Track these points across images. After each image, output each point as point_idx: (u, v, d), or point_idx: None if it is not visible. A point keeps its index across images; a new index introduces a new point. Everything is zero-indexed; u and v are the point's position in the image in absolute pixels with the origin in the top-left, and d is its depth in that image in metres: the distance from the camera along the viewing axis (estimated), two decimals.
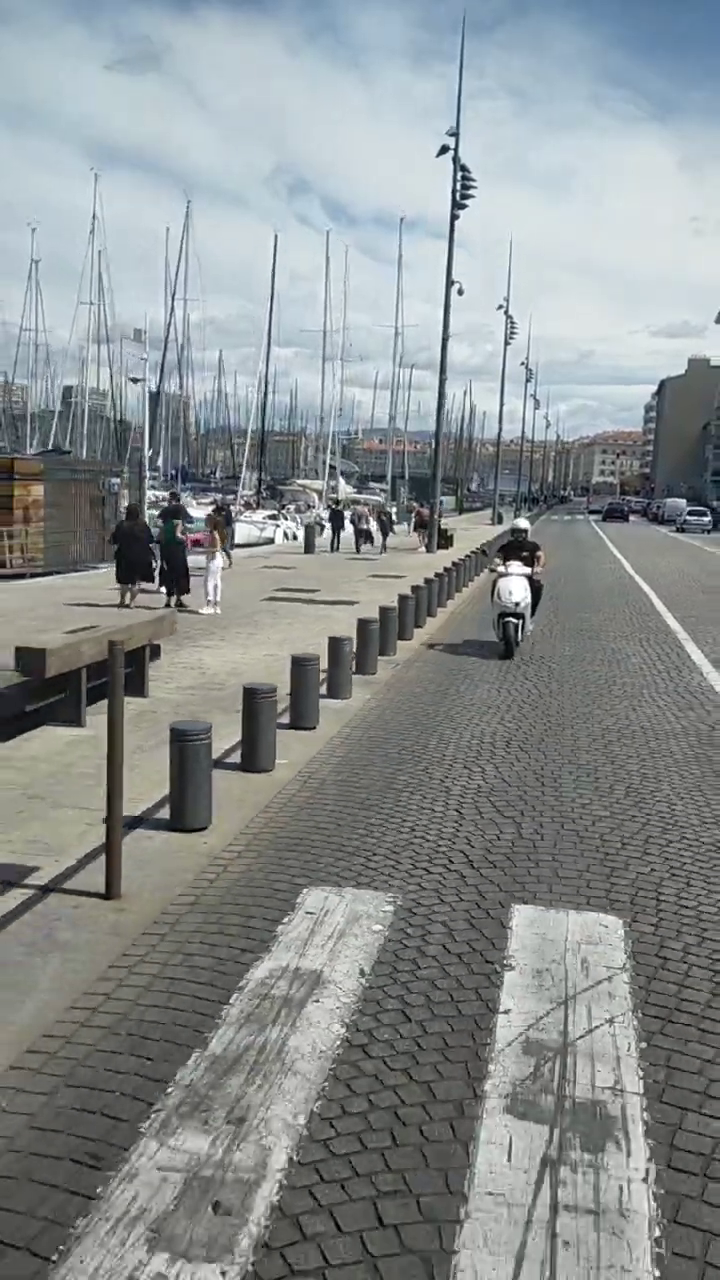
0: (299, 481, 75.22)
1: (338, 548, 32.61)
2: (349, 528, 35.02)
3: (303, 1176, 3.14)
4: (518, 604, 13.05)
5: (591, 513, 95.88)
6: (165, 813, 6.32)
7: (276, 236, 71.12)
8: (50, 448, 58.78)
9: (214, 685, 10.54)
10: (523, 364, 75.38)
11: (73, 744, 8.09)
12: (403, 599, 14.75)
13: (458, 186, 30.19)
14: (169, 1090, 3.55)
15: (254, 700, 7.46)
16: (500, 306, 53.85)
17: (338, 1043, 3.86)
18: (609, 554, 37.62)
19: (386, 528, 34.26)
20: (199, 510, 30.15)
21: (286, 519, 47.02)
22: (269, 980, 4.35)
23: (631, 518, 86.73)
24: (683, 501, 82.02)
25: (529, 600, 13.23)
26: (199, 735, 6.19)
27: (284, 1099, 3.51)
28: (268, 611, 16.53)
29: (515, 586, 13.15)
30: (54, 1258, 2.78)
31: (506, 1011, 4.14)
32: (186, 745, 6.10)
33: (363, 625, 12.02)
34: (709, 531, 59.96)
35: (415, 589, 16.39)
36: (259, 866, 5.68)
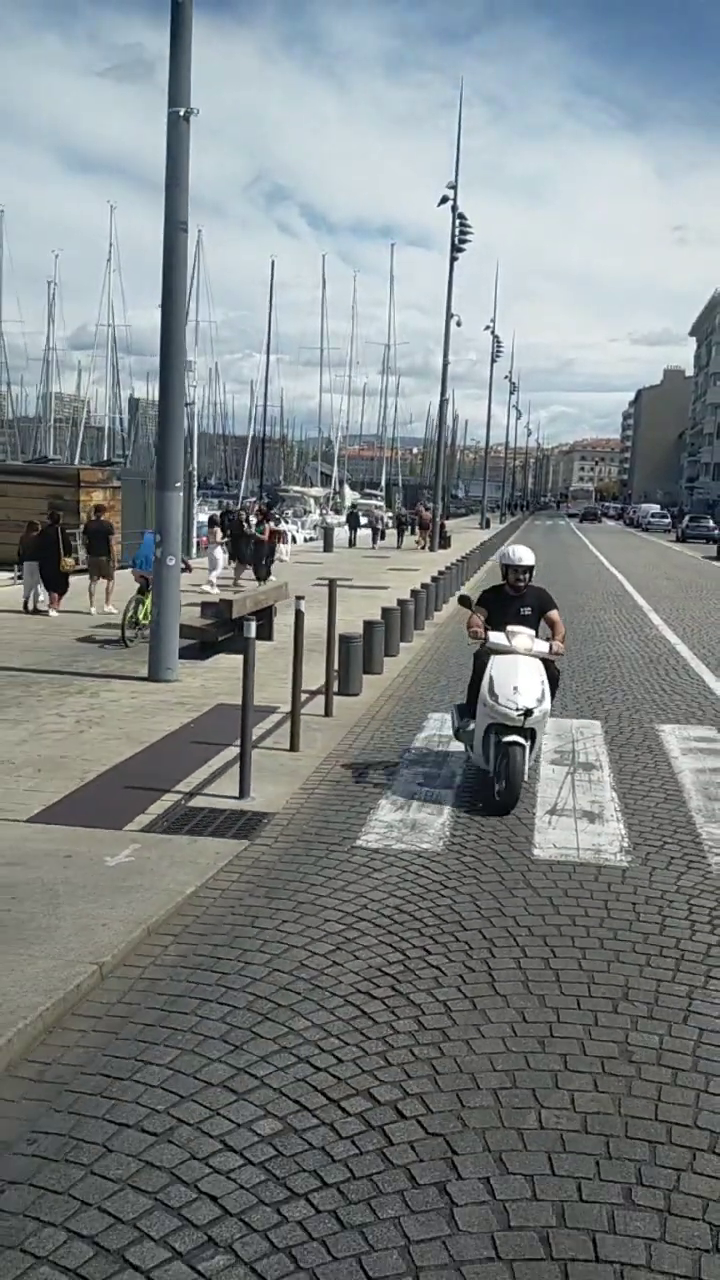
0: (295, 488, 79.66)
1: (354, 544, 37.31)
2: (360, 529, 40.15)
3: (469, 784, 7.60)
4: (528, 712, 7.07)
5: (570, 515, 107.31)
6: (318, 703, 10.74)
7: (274, 261, 75.77)
8: (37, 455, 62.15)
9: (311, 635, 14.95)
10: (506, 377, 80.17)
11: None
12: (426, 585, 19.19)
13: (456, 233, 34.72)
14: (405, 760, 8.01)
15: (371, 628, 11.93)
16: (487, 328, 58.41)
17: (460, 766, 8.33)
18: (589, 552, 42.25)
19: (382, 530, 39.39)
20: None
21: (286, 524, 51.63)
22: (413, 756, 8.82)
23: (608, 522, 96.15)
24: (655, 507, 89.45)
25: (547, 704, 7.37)
26: (354, 639, 10.66)
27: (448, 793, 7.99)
28: (321, 593, 20.96)
29: (524, 678, 7.21)
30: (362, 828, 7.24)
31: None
32: (350, 646, 10.57)
33: (401, 603, 16.34)
34: (667, 531, 69.72)
35: (434, 577, 20.83)
36: (398, 708, 10.16)
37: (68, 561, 16.56)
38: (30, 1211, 3.08)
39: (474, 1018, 4.27)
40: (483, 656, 7.53)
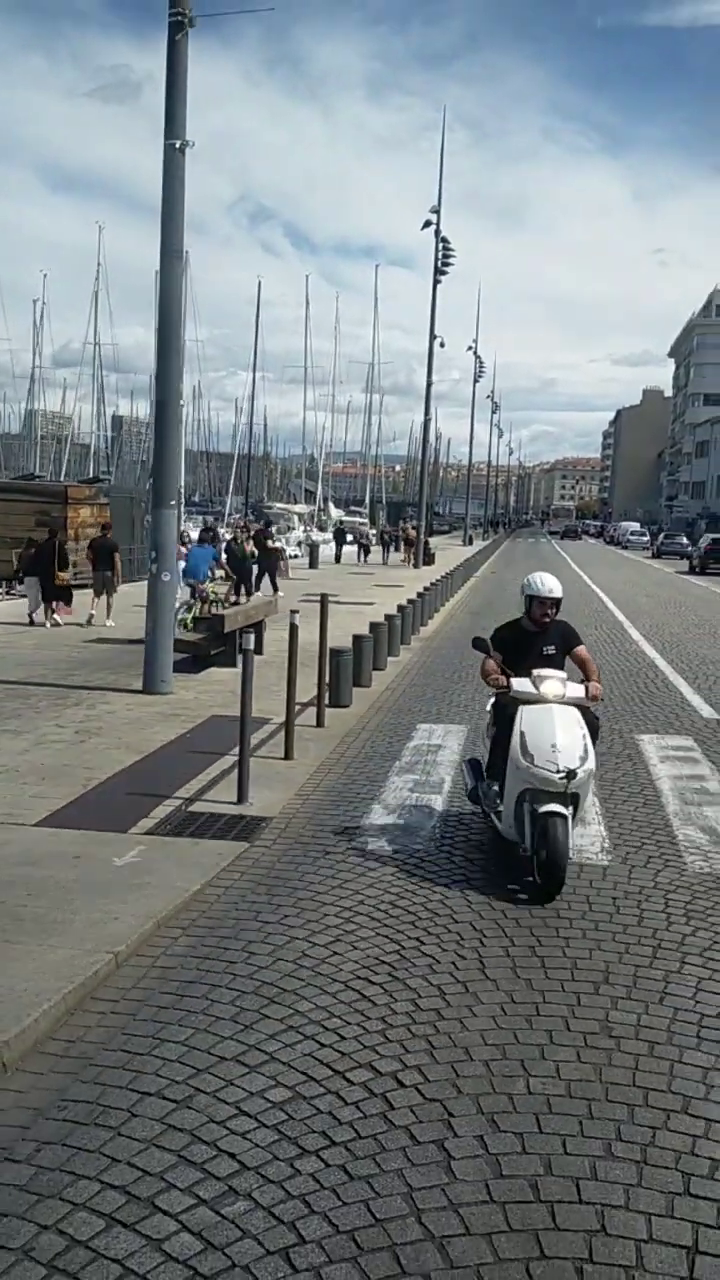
0: (279, 505, 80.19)
1: (340, 560, 37.73)
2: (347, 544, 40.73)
3: (458, 789, 7.93)
4: (570, 774, 5.87)
5: (551, 533, 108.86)
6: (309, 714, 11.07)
7: (260, 282, 76.45)
8: (24, 473, 62.62)
9: (300, 650, 15.27)
10: (489, 397, 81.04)
11: (236, 676, 12.78)
12: (412, 600, 19.55)
13: (439, 258, 35.32)
14: (395, 767, 8.35)
15: (360, 642, 12.27)
16: (469, 348, 59.14)
17: (458, 750, 8.67)
18: (570, 569, 42.76)
19: (367, 547, 39.85)
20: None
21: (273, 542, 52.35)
22: (403, 764, 9.16)
23: (589, 539, 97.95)
24: (635, 525, 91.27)
25: (592, 761, 6.12)
26: (344, 653, 11.00)
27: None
28: (310, 609, 21.29)
29: (563, 733, 6.02)
30: (375, 793, 7.57)
31: None
32: (340, 660, 10.91)
33: (389, 618, 16.71)
34: (646, 548, 71.04)
35: (420, 594, 21.21)
36: (387, 719, 10.49)
37: (62, 575, 17.24)
38: (65, 1167, 3.38)
39: (466, 999, 4.60)
40: (506, 707, 6.34)
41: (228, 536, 23.58)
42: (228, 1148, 3.50)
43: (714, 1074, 4.03)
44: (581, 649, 6.81)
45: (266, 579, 23.59)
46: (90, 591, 18.06)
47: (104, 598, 17.52)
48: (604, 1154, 3.50)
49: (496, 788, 6.37)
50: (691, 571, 44.01)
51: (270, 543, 25.08)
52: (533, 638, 6.65)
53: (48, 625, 17.05)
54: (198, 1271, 2.91)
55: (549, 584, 6.62)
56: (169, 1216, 3.14)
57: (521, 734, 6.02)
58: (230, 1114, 3.70)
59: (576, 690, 6.35)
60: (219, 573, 16.68)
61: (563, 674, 6.39)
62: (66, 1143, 3.51)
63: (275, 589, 22.08)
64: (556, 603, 6.66)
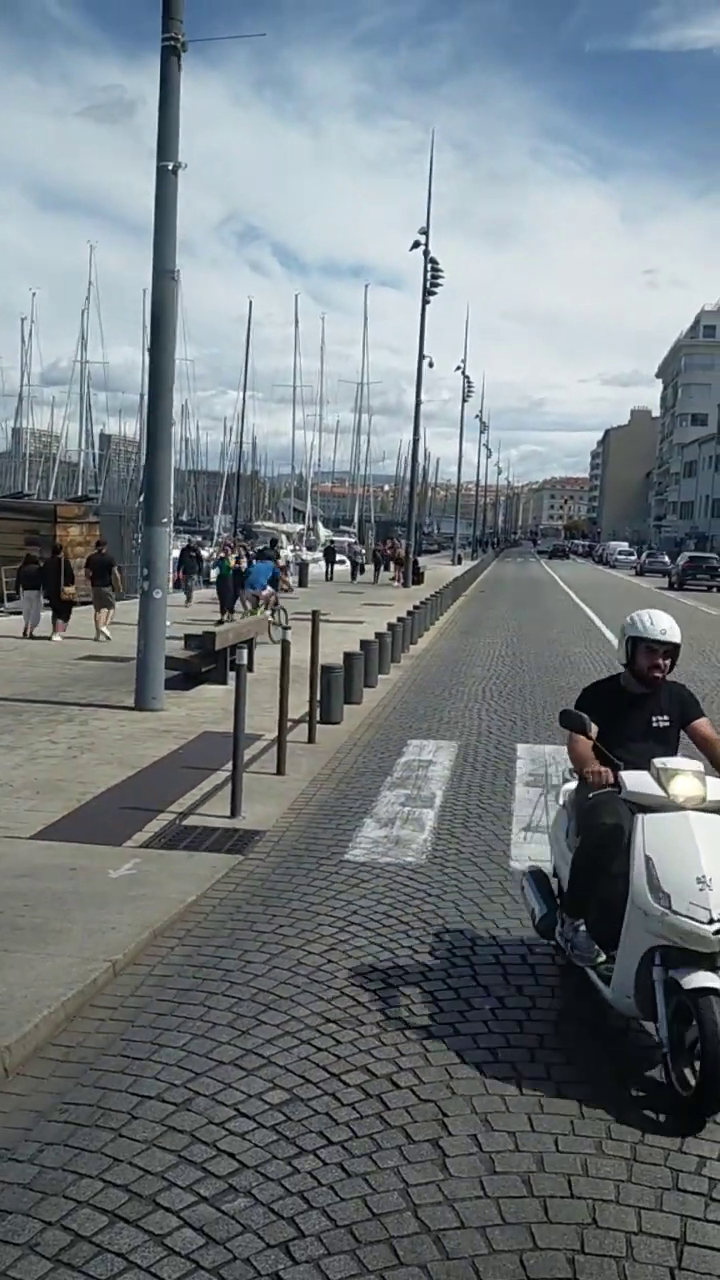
0: (268, 524, 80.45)
1: (331, 578, 37.99)
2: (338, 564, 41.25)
3: (449, 804, 8.02)
4: None
5: (540, 552, 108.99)
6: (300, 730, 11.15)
7: (251, 302, 77.08)
8: (12, 491, 62.84)
9: (292, 667, 15.38)
10: (477, 416, 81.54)
11: (227, 693, 12.89)
12: (402, 619, 19.68)
13: (427, 278, 35.65)
14: (387, 782, 8.44)
15: (351, 660, 12.38)
16: (458, 368, 59.54)
17: (449, 765, 8.76)
18: (560, 587, 43.04)
19: (361, 565, 40.22)
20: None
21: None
22: (395, 779, 9.25)
23: (577, 559, 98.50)
24: (624, 544, 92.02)
25: None
26: (335, 670, 11.10)
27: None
28: (302, 627, 21.41)
29: (713, 858, 3.96)
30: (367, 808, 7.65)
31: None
32: (331, 676, 11.01)
33: (379, 636, 16.83)
34: (639, 572, 70.99)
35: (410, 612, 21.33)
36: (378, 735, 10.59)
37: (68, 590, 18.07)
38: (68, 1166, 3.45)
39: (458, 1005, 4.68)
40: (602, 808, 4.36)
41: (219, 556, 23.83)
42: (227, 1148, 3.57)
43: None
44: (704, 723, 4.79)
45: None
46: (91, 608, 18.73)
47: (104, 611, 18.22)
48: (595, 1151, 3.59)
49: (583, 928, 4.48)
50: (670, 588, 45.92)
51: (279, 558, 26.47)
52: (638, 703, 4.76)
53: (54, 639, 17.60)
54: (200, 1264, 2.99)
55: (661, 623, 4.69)
56: (170, 1213, 3.22)
57: (647, 860, 4.00)
58: (229, 1115, 3.77)
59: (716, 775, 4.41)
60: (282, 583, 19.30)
61: (698, 764, 4.41)
62: (68, 1143, 3.58)
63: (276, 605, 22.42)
64: (673, 651, 4.72)
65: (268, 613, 18.25)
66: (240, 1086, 3.96)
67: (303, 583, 36.48)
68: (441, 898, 6.08)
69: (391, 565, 41.11)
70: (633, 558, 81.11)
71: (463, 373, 60.22)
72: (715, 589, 45.54)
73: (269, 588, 19.89)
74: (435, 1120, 3.76)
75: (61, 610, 18.10)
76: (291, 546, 58.74)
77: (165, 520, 12.10)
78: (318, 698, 10.89)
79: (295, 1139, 3.63)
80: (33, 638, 17.87)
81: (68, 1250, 3.03)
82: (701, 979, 3.76)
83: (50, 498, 63.24)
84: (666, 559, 63.59)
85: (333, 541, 50.30)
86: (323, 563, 41.87)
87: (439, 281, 36.62)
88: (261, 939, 5.39)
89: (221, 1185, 3.36)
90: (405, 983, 4.90)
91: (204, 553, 33.80)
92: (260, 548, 27.01)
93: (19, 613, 19.16)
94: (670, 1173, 3.47)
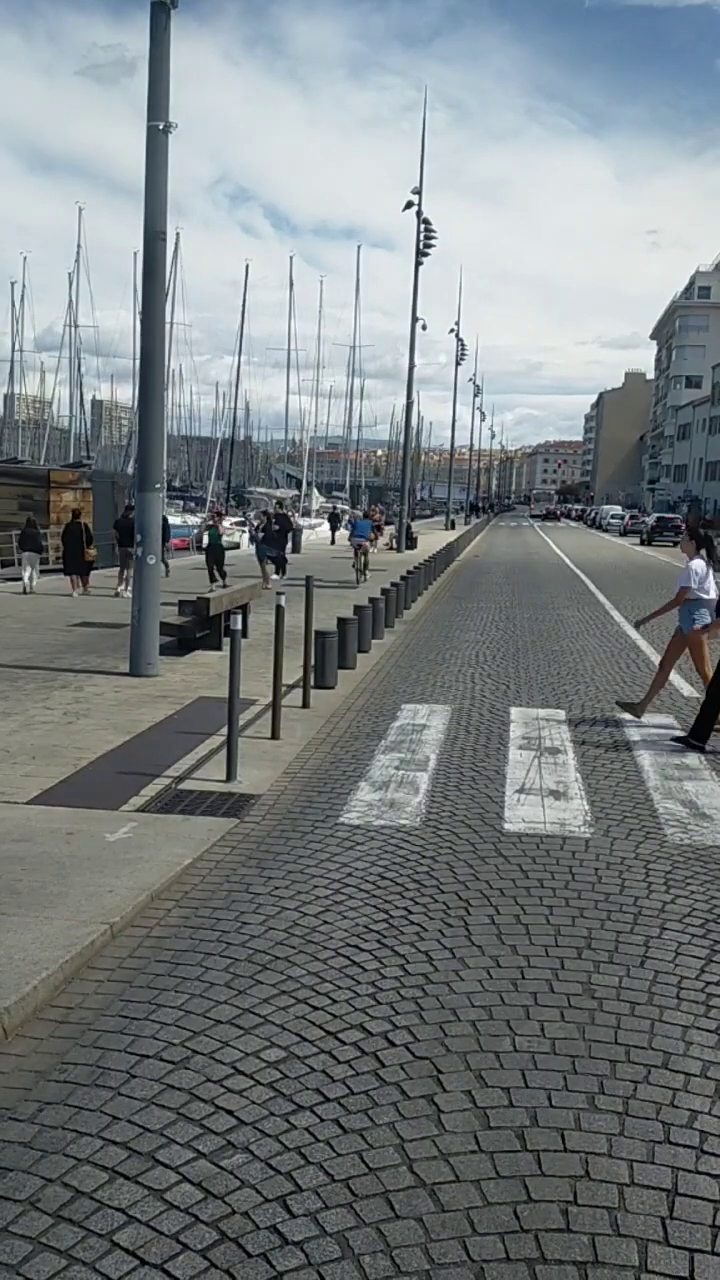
0: (261, 489, 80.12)
1: (335, 543, 38.04)
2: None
3: (443, 767, 8.06)
4: None
5: (533, 516, 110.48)
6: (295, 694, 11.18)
7: (248, 266, 75.66)
8: (6, 457, 62.52)
9: (286, 632, 15.38)
10: (471, 380, 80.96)
11: (222, 658, 12.90)
12: (396, 583, 19.66)
13: (420, 239, 35.26)
14: (381, 746, 8.46)
15: (345, 625, 12.37)
16: (452, 331, 59.07)
17: (442, 729, 8.79)
18: (550, 549, 43.00)
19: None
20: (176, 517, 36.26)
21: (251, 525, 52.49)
22: (389, 743, 9.28)
23: (569, 522, 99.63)
24: (616, 508, 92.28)
25: None
26: (330, 635, 11.09)
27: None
28: (297, 592, 21.38)
29: None
30: (362, 770, 7.69)
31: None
32: (326, 640, 11.00)
33: (373, 601, 16.82)
34: (623, 532, 73.31)
35: (403, 577, 21.31)
36: (372, 699, 10.61)
37: (91, 552, 20.32)
38: (68, 1125, 3.49)
39: (453, 964, 4.73)
40: None
41: (210, 523, 23.63)
42: (225, 1105, 3.62)
43: (693, 1031, 4.17)
44: None
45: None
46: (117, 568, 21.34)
47: (129, 571, 19.24)
48: (587, 1106, 3.64)
49: None
50: (641, 543, 54.29)
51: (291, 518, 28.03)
52: None
53: (75, 595, 19.78)
54: (199, 1218, 3.04)
55: None
56: (170, 1169, 3.26)
57: None
58: (227, 1074, 3.81)
59: None
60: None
61: None
62: (68, 1103, 3.62)
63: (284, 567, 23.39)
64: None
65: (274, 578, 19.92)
66: (238, 1045, 4.01)
67: (296, 548, 36.36)
68: (435, 859, 6.12)
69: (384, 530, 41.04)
70: (620, 520, 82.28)
71: (456, 335, 59.79)
72: (675, 544, 48.55)
73: (365, 541, 25.83)
74: (430, 1077, 3.80)
75: (82, 570, 20.20)
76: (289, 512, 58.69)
77: (159, 486, 12.03)
78: (312, 663, 10.90)
79: (292, 1096, 3.68)
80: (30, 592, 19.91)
81: (68, 1206, 3.08)
82: None
83: (43, 463, 62.97)
84: (647, 520, 67.47)
85: (336, 506, 50.45)
86: (322, 528, 41.84)
87: (432, 242, 36.22)
88: (257, 900, 5.43)
89: (220, 1141, 3.41)
90: (400, 943, 4.95)
91: (173, 520, 33.63)
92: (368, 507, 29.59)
93: (18, 579, 20.80)
94: (662, 1126, 3.53)
